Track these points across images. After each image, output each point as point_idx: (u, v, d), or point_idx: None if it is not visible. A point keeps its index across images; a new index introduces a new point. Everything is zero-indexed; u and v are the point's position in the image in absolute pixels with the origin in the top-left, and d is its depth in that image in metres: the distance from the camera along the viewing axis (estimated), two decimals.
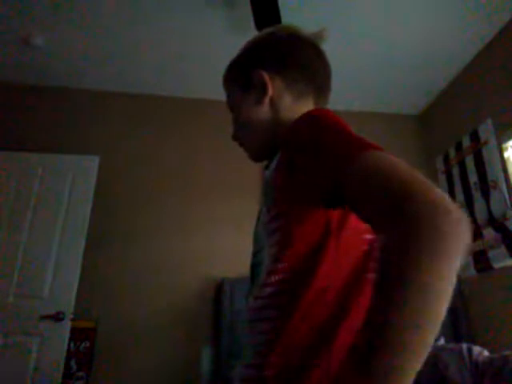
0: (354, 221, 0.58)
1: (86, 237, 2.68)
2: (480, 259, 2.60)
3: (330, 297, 0.56)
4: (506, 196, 2.45)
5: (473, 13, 2.49)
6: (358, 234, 0.59)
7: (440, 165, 3.19)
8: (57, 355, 2.39)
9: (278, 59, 0.74)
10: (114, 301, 2.68)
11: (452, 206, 0.40)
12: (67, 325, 2.46)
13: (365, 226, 0.59)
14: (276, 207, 0.61)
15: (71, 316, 2.48)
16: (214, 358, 2.60)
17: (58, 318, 2.44)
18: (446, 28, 2.62)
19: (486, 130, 2.67)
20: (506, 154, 2.50)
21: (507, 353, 1.89)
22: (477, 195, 2.71)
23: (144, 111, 3.25)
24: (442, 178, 3.15)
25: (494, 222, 2.52)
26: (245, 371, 0.60)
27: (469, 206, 2.78)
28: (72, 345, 2.51)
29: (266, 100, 0.73)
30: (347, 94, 3.26)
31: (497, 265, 2.46)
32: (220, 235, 2.92)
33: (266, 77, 0.72)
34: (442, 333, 2.59)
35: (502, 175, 2.51)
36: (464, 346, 2.05)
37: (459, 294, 2.70)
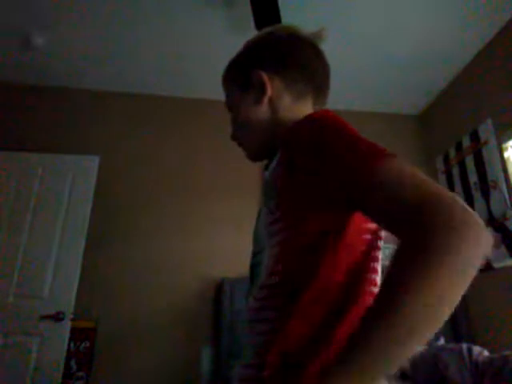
0: (356, 222, 0.58)
1: (85, 237, 2.68)
2: None
3: (329, 298, 0.56)
4: (506, 196, 2.45)
5: (473, 13, 2.49)
6: (359, 234, 0.59)
7: (440, 165, 3.19)
8: (57, 355, 2.39)
9: (278, 59, 0.74)
10: (114, 301, 2.68)
11: (475, 221, 0.43)
12: (67, 325, 2.46)
13: (366, 226, 0.59)
14: (277, 208, 0.61)
15: (71, 316, 2.48)
16: (214, 358, 2.60)
17: (58, 317, 2.44)
18: (446, 28, 2.62)
19: (486, 130, 2.67)
20: (506, 154, 2.50)
21: (507, 353, 1.89)
22: (477, 195, 2.71)
23: (144, 111, 3.25)
24: (442, 178, 3.15)
25: (494, 222, 2.52)
26: (244, 371, 0.60)
27: (469, 205, 2.77)
28: (72, 345, 2.51)
29: (265, 100, 0.73)
30: (347, 94, 3.26)
31: (497, 265, 2.46)
32: (220, 235, 2.92)
33: (265, 77, 0.72)
34: (442, 333, 2.59)
35: (502, 175, 2.51)
36: (464, 346, 2.06)
37: None
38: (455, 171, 2.98)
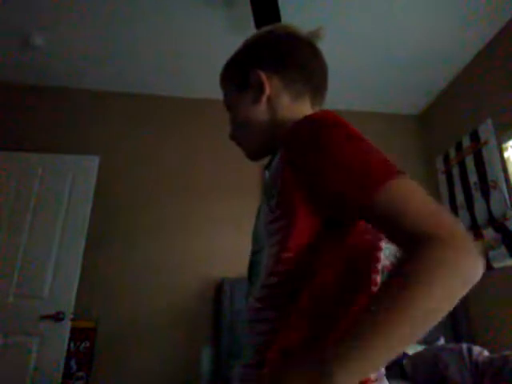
0: (357, 222, 0.58)
1: (85, 237, 2.68)
2: None
3: (329, 298, 0.56)
4: (506, 196, 2.45)
5: (473, 13, 2.49)
6: (360, 234, 0.59)
7: (440, 165, 3.19)
8: (57, 355, 2.39)
9: (277, 58, 0.74)
10: (114, 301, 2.68)
11: (472, 245, 0.45)
12: (67, 325, 2.46)
13: (368, 227, 0.59)
14: (278, 207, 0.61)
15: (71, 316, 2.48)
16: (214, 358, 2.60)
17: (58, 318, 2.44)
18: (446, 28, 2.62)
19: (486, 130, 2.67)
20: (506, 154, 2.50)
21: (507, 353, 1.89)
22: (477, 195, 2.71)
23: (144, 111, 3.25)
24: (442, 178, 3.15)
25: (494, 222, 2.52)
26: (244, 371, 0.60)
27: (469, 206, 2.78)
28: (72, 345, 2.51)
29: (264, 99, 0.72)
30: (347, 94, 3.26)
31: (497, 265, 2.46)
32: (220, 235, 2.92)
33: (264, 76, 0.72)
34: (442, 333, 2.59)
35: (502, 175, 2.51)
36: (464, 346, 2.06)
37: None
38: (455, 171, 2.98)
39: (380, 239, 0.62)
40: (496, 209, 2.52)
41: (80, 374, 2.48)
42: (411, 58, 2.88)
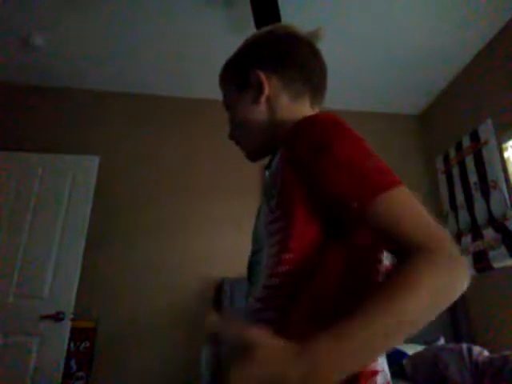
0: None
1: (86, 237, 2.68)
2: (480, 259, 2.60)
3: (330, 299, 0.56)
4: (506, 196, 2.45)
5: (473, 13, 2.49)
6: (361, 235, 0.59)
7: (440, 165, 3.19)
8: (57, 355, 2.39)
9: (276, 58, 0.73)
10: (114, 301, 2.68)
11: (460, 257, 0.48)
12: (67, 325, 2.46)
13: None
14: (278, 207, 0.61)
15: (71, 316, 2.48)
16: (214, 358, 2.59)
17: (58, 317, 2.44)
18: (446, 28, 2.62)
19: (486, 130, 2.67)
20: (506, 154, 2.50)
21: (507, 353, 1.89)
22: (477, 195, 2.71)
23: (144, 111, 3.25)
24: (442, 177, 3.14)
25: (494, 222, 2.52)
26: None
27: (469, 206, 2.78)
28: (72, 345, 2.51)
29: (263, 99, 0.72)
30: (347, 94, 3.26)
31: (497, 265, 2.46)
32: (220, 235, 2.92)
33: (263, 76, 0.72)
34: (442, 333, 2.59)
35: (502, 175, 2.51)
36: (464, 346, 2.06)
37: None
38: (455, 171, 2.98)
39: None
40: (496, 209, 2.52)
41: (80, 373, 2.48)
42: (411, 58, 2.88)
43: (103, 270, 2.74)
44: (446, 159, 3.11)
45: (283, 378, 0.42)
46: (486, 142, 2.67)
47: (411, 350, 2.27)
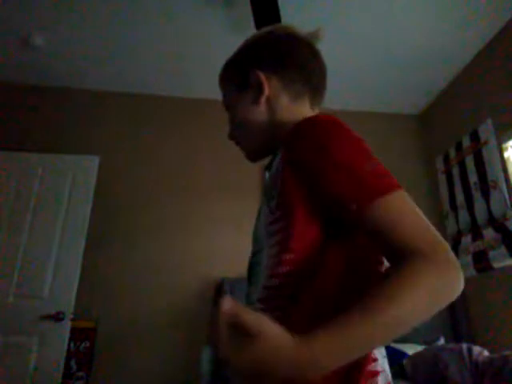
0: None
1: (86, 237, 2.68)
2: (480, 259, 2.60)
3: (330, 299, 0.56)
4: (506, 196, 2.45)
5: (473, 13, 2.49)
6: (362, 236, 0.59)
7: (440, 165, 3.19)
8: (57, 355, 2.39)
9: (276, 59, 0.73)
10: (114, 301, 2.68)
11: (454, 262, 0.49)
12: (67, 325, 2.46)
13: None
14: (278, 208, 0.61)
15: (71, 316, 2.48)
16: (214, 359, 2.60)
17: (58, 317, 2.44)
18: (446, 28, 2.62)
19: (486, 130, 2.67)
20: (506, 154, 2.50)
21: (507, 353, 1.89)
22: (477, 195, 2.71)
23: (144, 111, 3.25)
24: (442, 177, 3.14)
25: (494, 222, 2.52)
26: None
27: (469, 206, 2.78)
28: (72, 345, 2.51)
29: (263, 100, 0.72)
30: (347, 94, 3.26)
31: (497, 265, 2.46)
32: (220, 235, 2.92)
33: (263, 76, 0.72)
34: (442, 333, 2.59)
35: (502, 175, 2.51)
36: (464, 346, 2.06)
37: (459, 294, 2.69)
38: (455, 171, 2.98)
39: None
40: (496, 209, 2.52)
41: (80, 373, 2.48)
42: (411, 58, 2.88)
43: (103, 270, 2.74)
44: (446, 159, 3.11)
45: (280, 364, 0.43)
46: (485, 142, 2.67)
47: (411, 349, 2.27)
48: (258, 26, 2.26)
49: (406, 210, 0.52)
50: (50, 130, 3.06)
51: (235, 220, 2.94)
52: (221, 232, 2.92)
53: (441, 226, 3.03)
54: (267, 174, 0.72)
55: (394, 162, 2.70)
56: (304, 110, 0.73)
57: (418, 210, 0.53)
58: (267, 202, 0.65)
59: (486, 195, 2.62)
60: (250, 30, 2.48)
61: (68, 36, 2.70)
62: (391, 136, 3.40)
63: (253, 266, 0.68)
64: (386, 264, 0.62)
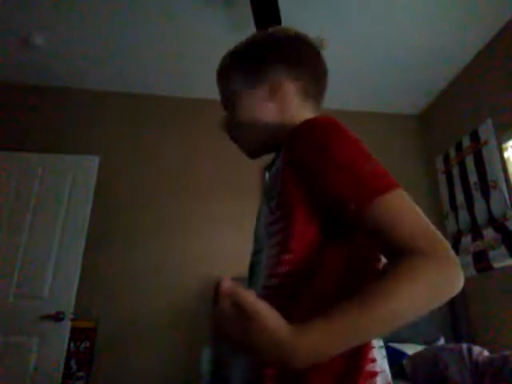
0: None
1: (85, 237, 2.68)
2: (480, 259, 2.60)
3: (329, 298, 0.56)
4: (506, 196, 2.45)
5: (473, 13, 2.49)
6: (361, 236, 0.59)
7: (440, 165, 3.19)
8: (57, 355, 2.39)
9: (291, 61, 0.74)
10: (114, 301, 2.68)
11: (454, 260, 0.50)
12: (67, 325, 2.46)
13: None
14: (278, 208, 0.61)
15: (71, 316, 2.48)
16: (214, 359, 2.60)
17: (58, 317, 2.44)
18: (446, 28, 2.62)
19: (486, 130, 2.67)
20: (506, 154, 2.50)
21: (507, 353, 1.89)
22: (477, 195, 2.71)
23: (144, 111, 3.25)
24: (442, 177, 3.14)
25: (494, 222, 2.52)
26: (245, 372, 0.60)
27: (469, 206, 2.78)
28: (72, 345, 2.51)
29: (276, 100, 0.72)
30: (347, 94, 3.26)
31: (497, 265, 2.46)
32: (220, 235, 2.91)
33: (283, 77, 0.72)
34: (442, 333, 2.59)
35: (502, 175, 2.51)
36: (464, 346, 2.06)
37: (459, 293, 2.69)
38: (455, 171, 2.98)
39: None
40: (496, 209, 2.52)
41: (80, 373, 2.48)
42: (411, 58, 2.88)
43: (103, 270, 2.74)
44: (446, 159, 3.11)
45: (271, 346, 0.45)
46: (485, 142, 2.67)
47: (411, 349, 2.27)
48: (258, 26, 2.26)
49: (405, 209, 0.52)
50: (49, 130, 3.06)
51: (235, 220, 2.94)
52: (221, 232, 2.92)
53: (441, 226, 3.03)
54: (267, 175, 0.71)
55: (394, 162, 2.70)
56: (307, 112, 0.74)
57: (417, 208, 0.53)
58: (267, 202, 0.65)
59: (485, 195, 2.62)
60: (250, 30, 2.48)
61: (68, 36, 2.70)
62: (391, 136, 3.40)
63: (253, 265, 0.69)
64: (384, 260, 0.62)
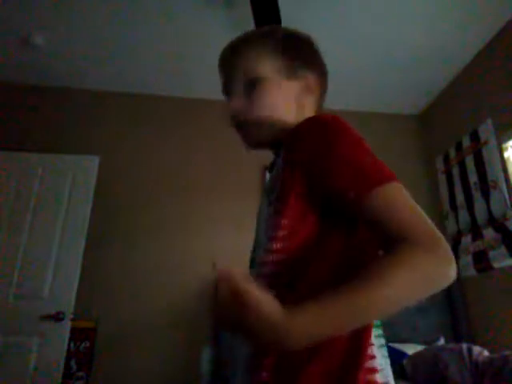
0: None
1: (85, 237, 2.68)
2: (480, 259, 2.60)
3: (325, 288, 0.57)
4: (506, 196, 2.45)
5: (473, 13, 2.49)
6: (360, 229, 0.60)
7: (440, 165, 3.19)
8: (57, 355, 2.39)
9: (316, 65, 0.76)
10: (114, 301, 2.68)
11: (448, 251, 0.51)
12: (67, 325, 2.46)
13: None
14: (278, 201, 0.63)
15: (71, 316, 2.48)
16: (214, 359, 2.60)
17: (58, 317, 2.44)
18: (446, 28, 2.62)
19: (486, 130, 2.67)
20: (506, 154, 2.50)
21: (507, 353, 1.89)
22: (477, 195, 2.71)
23: (144, 111, 3.25)
24: (442, 177, 3.14)
25: (494, 222, 2.52)
26: (245, 361, 0.61)
27: (469, 206, 2.78)
28: (72, 345, 2.51)
29: (302, 99, 0.73)
30: (347, 94, 3.26)
31: (497, 265, 2.46)
32: (220, 235, 2.91)
33: (315, 78, 0.74)
34: (442, 333, 2.59)
35: (502, 175, 2.51)
36: (464, 346, 2.06)
37: (459, 294, 2.70)
38: (455, 171, 2.98)
39: None
40: (496, 209, 2.52)
41: (80, 373, 2.48)
42: (411, 57, 2.88)
43: (103, 270, 2.74)
44: (446, 159, 3.11)
45: (262, 327, 0.46)
46: (486, 142, 2.67)
47: (411, 349, 2.27)
48: (258, 26, 2.26)
49: (402, 201, 0.54)
50: (50, 130, 3.05)
51: (235, 220, 2.94)
52: (221, 232, 2.92)
53: (441, 226, 3.03)
54: (268, 176, 0.72)
55: (394, 162, 2.68)
56: (313, 112, 0.75)
57: (414, 202, 0.55)
58: (267, 196, 0.67)
59: (486, 195, 2.62)
60: None
61: (68, 36, 2.70)
62: (391, 136, 3.39)
63: (252, 261, 0.71)
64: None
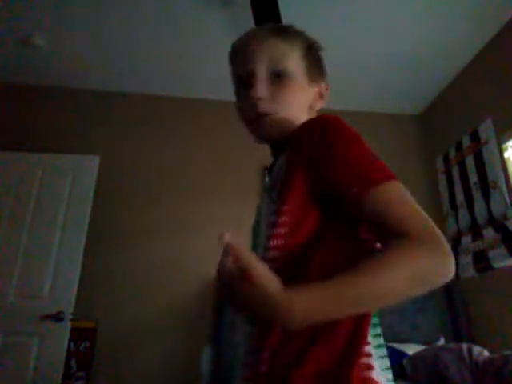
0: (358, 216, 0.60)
1: (86, 237, 2.68)
2: (480, 259, 2.60)
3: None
4: (506, 196, 2.45)
5: (473, 13, 2.49)
6: (360, 227, 0.61)
7: (440, 165, 3.19)
8: (57, 355, 2.39)
9: (325, 72, 0.82)
10: (114, 300, 2.68)
11: (447, 247, 0.52)
12: (67, 325, 2.46)
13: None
14: (279, 199, 0.63)
15: (71, 316, 2.48)
16: (214, 359, 2.60)
17: (58, 317, 2.44)
18: (446, 28, 2.62)
19: (486, 130, 2.67)
20: (506, 154, 2.50)
21: (507, 353, 1.89)
22: (477, 195, 2.71)
23: (144, 111, 3.25)
24: (442, 177, 3.14)
25: (494, 222, 2.52)
26: (244, 371, 0.61)
27: (469, 206, 2.78)
28: (72, 345, 2.51)
29: (315, 105, 0.77)
30: (347, 94, 3.25)
31: (497, 265, 2.46)
32: None
33: (327, 85, 0.80)
34: (442, 333, 2.59)
35: (502, 175, 2.51)
36: (464, 346, 2.06)
37: (459, 293, 2.70)
38: (455, 171, 2.98)
39: None
40: (496, 209, 2.52)
41: (80, 373, 2.48)
42: (411, 58, 2.88)
43: (103, 270, 2.74)
44: (446, 159, 3.11)
45: (268, 307, 0.48)
46: (486, 142, 2.67)
47: (411, 350, 2.27)
48: (258, 26, 2.26)
49: (403, 198, 0.56)
50: (49, 130, 3.05)
51: (235, 220, 2.93)
52: (221, 232, 2.92)
53: (441, 226, 3.02)
54: (267, 177, 0.73)
55: (394, 162, 2.68)
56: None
57: (414, 200, 0.56)
58: (269, 195, 0.68)
59: (486, 195, 2.62)
60: None
61: (68, 36, 2.70)
62: (391, 136, 3.39)
63: None
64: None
